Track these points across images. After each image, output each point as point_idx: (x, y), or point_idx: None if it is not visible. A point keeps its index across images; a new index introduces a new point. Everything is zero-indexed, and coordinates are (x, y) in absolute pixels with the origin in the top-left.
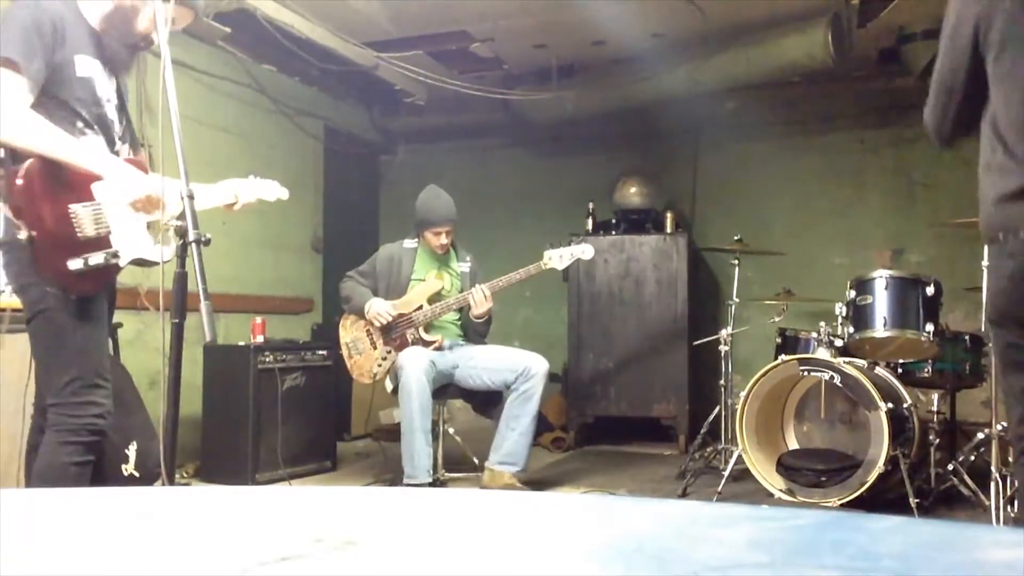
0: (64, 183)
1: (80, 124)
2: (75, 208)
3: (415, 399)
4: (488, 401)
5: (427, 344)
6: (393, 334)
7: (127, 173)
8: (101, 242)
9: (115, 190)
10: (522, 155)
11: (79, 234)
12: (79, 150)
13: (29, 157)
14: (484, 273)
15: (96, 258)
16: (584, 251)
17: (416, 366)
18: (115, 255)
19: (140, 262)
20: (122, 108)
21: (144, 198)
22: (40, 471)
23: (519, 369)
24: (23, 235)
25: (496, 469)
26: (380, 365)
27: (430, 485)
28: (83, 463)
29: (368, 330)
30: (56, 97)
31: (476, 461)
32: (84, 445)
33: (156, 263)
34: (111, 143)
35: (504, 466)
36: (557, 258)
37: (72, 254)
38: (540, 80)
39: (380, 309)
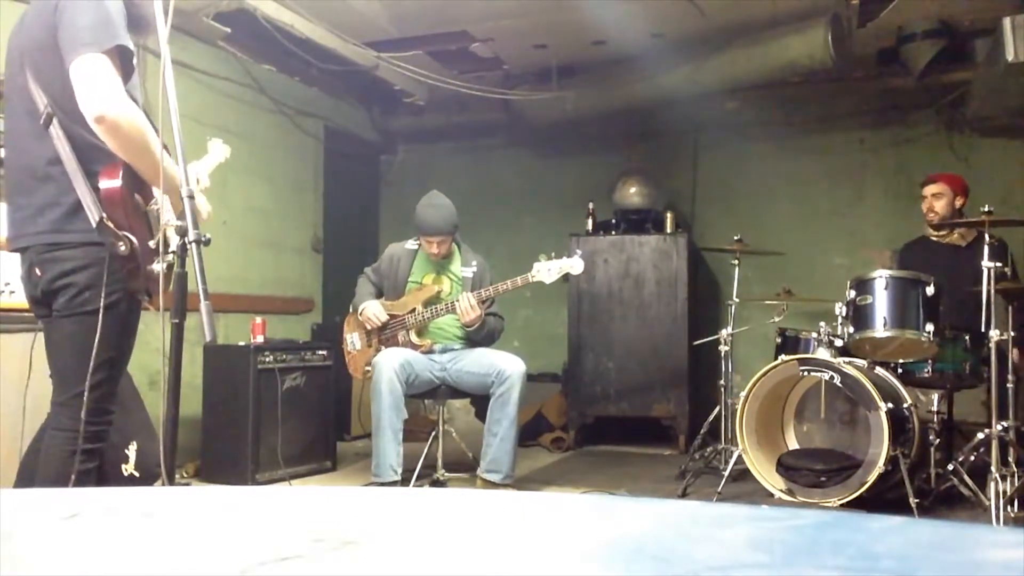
0: (137, 186)
1: None
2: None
3: (384, 398)
4: (484, 405)
5: (416, 347)
6: (386, 334)
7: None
8: (166, 244)
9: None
10: (522, 155)
11: (156, 237)
12: (165, 163)
13: (107, 165)
14: (491, 274)
15: (167, 259)
16: (573, 265)
17: (387, 366)
18: (175, 253)
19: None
20: None
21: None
22: (55, 480)
23: (492, 372)
24: (124, 247)
25: (484, 478)
26: (371, 363)
27: (398, 484)
28: (93, 468)
29: (366, 328)
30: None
31: (475, 461)
32: (92, 452)
33: None
34: None
35: (490, 474)
36: (545, 271)
37: (153, 258)
38: (540, 80)
39: (370, 313)
